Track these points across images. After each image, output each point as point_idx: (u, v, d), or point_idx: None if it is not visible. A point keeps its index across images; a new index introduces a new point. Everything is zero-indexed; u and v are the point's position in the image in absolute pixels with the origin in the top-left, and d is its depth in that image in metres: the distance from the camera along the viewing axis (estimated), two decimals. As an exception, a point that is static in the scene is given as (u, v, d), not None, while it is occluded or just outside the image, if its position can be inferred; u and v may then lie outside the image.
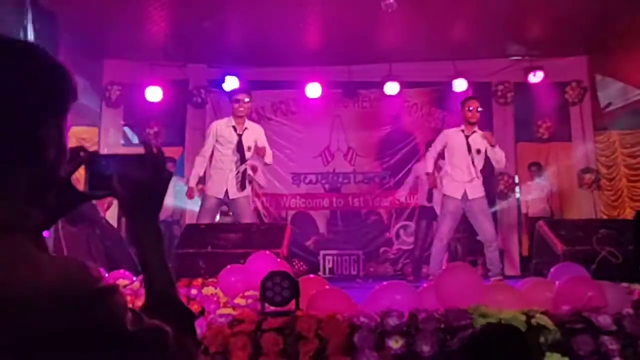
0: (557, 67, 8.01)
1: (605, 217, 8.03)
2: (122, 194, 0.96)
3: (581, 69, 8.18)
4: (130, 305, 0.82)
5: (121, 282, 3.05)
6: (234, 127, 5.44)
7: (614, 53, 7.59)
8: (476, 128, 5.56)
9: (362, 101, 8.62)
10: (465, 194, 5.40)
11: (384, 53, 7.67)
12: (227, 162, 5.40)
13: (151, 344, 0.81)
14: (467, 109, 5.51)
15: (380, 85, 8.15)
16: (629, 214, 8.18)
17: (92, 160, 0.99)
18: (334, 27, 7.03)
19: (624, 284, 2.92)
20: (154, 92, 7.97)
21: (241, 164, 5.38)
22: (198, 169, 5.57)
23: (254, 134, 5.52)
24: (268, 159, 5.54)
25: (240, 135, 5.41)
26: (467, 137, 5.48)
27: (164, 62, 8.06)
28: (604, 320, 2.21)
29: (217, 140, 5.45)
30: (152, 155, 0.99)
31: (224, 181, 5.36)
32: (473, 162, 5.44)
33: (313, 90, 8.10)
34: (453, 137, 5.60)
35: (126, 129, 8.57)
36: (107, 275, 3.18)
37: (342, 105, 8.61)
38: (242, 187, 5.37)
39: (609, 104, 8.46)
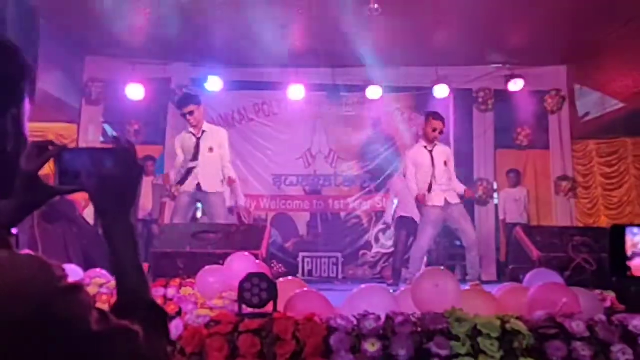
0: (537, 76, 8.14)
1: (580, 224, 8.16)
2: (92, 188, 0.94)
3: (560, 79, 8.32)
4: (106, 305, 0.81)
5: (98, 281, 3.02)
6: (192, 133, 5.57)
7: (593, 64, 7.72)
8: (437, 142, 5.73)
9: (344, 104, 8.65)
10: (446, 201, 5.53)
11: (368, 57, 7.70)
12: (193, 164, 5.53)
13: (118, 344, 0.79)
14: (431, 129, 5.64)
15: (363, 89, 8.19)
16: (604, 222, 8.32)
17: (62, 154, 0.96)
18: (318, 30, 7.04)
19: (598, 291, 2.96)
20: (135, 90, 7.92)
21: (192, 161, 5.47)
22: (174, 178, 5.69)
23: (215, 136, 5.61)
24: (239, 194, 5.74)
25: (198, 139, 5.52)
26: (430, 152, 5.66)
27: (146, 60, 8.01)
28: (577, 326, 2.24)
29: (182, 151, 5.60)
30: (123, 150, 0.97)
31: (194, 176, 5.44)
32: (441, 174, 5.60)
33: (296, 92, 8.11)
34: (417, 154, 5.75)
35: (106, 126, 8.49)
36: (83, 274, 3.15)
37: (325, 107, 8.64)
38: (181, 182, 5.49)
39: (587, 114, 8.60)
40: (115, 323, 0.80)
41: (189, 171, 5.47)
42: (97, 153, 0.98)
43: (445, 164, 5.65)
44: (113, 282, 3.00)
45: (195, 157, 5.47)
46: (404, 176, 6.22)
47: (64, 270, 0.76)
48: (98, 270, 3.16)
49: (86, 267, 3.41)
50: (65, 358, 0.72)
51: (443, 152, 5.74)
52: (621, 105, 8.04)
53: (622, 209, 8.69)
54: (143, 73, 8.00)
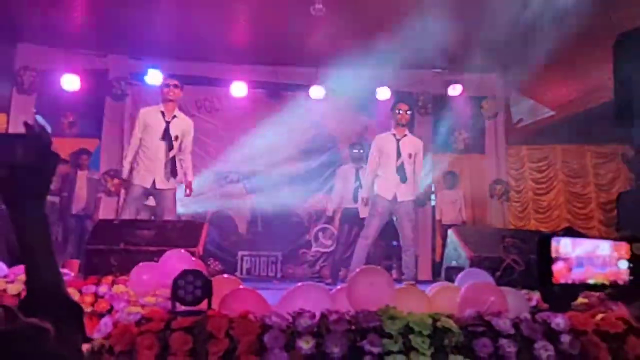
0: (475, 82, 8.39)
1: (512, 227, 8.47)
2: (1, 174, 0.89)
3: (497, 86, 8.59)
4: None
5: (22, 277, 2.89)
6: (162, 112, 5.29)
7: (528, 72, 8.02)
8: (407, 132, 5.72)
9: (287, 103, 8.63)
10: (395, 196, 5.52)
11: (311, 57, 7.72)
12: (154, 150, 5.21)
13: (26, 344, 0.75)
14: (396, 111, 5.65)
15: (306, 88, 8.21)
16: (533, 225, 8.68)
17: None
18: (262, 27, 7.01)
19: (525, 291, 3.08)
20: (71, 81, 7.66)
21: (169, 151, 5.22)
22: (129, 160, 5.28)
23: (183, 125, 5.37)
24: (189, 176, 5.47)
25: (168, 123, 5.26)
26: (398, 140, 5.61)
27: (83, 50, 7.75)
28: (504, 324, 2.33)
29: (145, 129, 5.25)
30: (35, 137, 0.92)
31: (152, 170, 5.18)
32: (403, 166, 5.56)
33: (238, 89, 8.04)
34: (384, 140, 5.71)
35: (39, 117, 8.14)
36: (7, 270, 3.01)
37: (267, 105, 8.59)
38: (174, 175, 5.22)
39: (520, 120, 8.95)
40: (22, 321, 0.76)
41: (172, 163, 5.20)
42: (6, 139, 0.92)
43: (410, 156, 5.58)
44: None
45: (170, 147, 5.21)
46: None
47: None
48: (23, 266, 3.03)
49: (11, 262, 3.26)
50: None
51: (411, 144, 5.65)
52: (552, 113, 8.41)
53: (550, 213, 9.08)
54: (79, 63, 7.73)
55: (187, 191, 5.41)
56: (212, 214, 8.34)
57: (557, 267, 2.06)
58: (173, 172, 5.23)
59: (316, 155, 8.58)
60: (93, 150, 7.90)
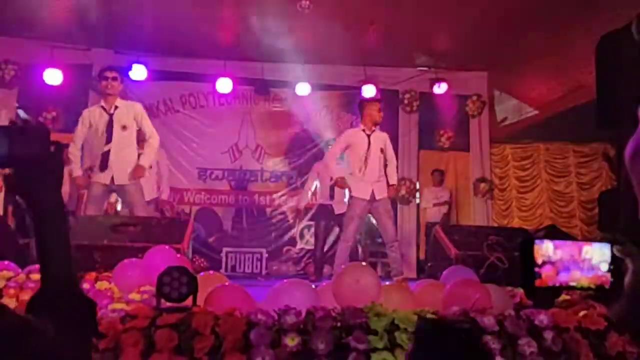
0: (460, 81, 8.44)
1: (496, 225, 8.54)
2: (14, 168, 0.89)
3: (481, 84, 8.65)
4: (14, 299, 0.75)
5: (5, 274, 2.84)
6: (102, 107, 5.14)
7: (513, 71, 8.10)
8: (376, 127, 5.66)
9: (273, 100, 8.62)
10: (372, 194, 5.45)
11: (298, 53, 7.71)
12: (102, 147, 5.05)
13: (19, 343, 0.73)
14: (369, 110, 5.59)
15: (292, 85, 8.20)
16: (517, 223, 8.75)
17: None
18: (248, 23, 6.97)
19: (509, 288, 3.12)
20: (53, 75, 7.55)
21: (106, 144, 5.03)
22: (73, 160, 5.14)
23: (130, 112, 5.16)
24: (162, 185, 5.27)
25: (111, 115, 5.08)
26: (368, 136, 5.55)
27: (66, 45, 7.64)
28: (488, 320, 2.35)
29: (89, 127, 5.10)
30: (36, 128, 0.92)
31: (110, 167, 5.02)
32: (375, 160, 5.51)
33: (224, 85, 8.01)
34: (355, 136, 5.64)
35: (20, 111, 8.03)
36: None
37: (253, 102, 8.58)
38: (102, 169, 5.00)
39: (505, 119, 9.02)
40: (14, 319, 0.74)
41: (103, 157, 5.00)
42: (10, 131, 0.91)
43: (382, 150, 5.55)
44: (22, 276, 2.85)
45: (108, 139, 5.02)
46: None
47: None
48: (6, 262, 2.99)
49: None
50: None
51: (380, 138, 5.60)
52: (536, 112, 8.48)
53: (533, 211, 9.17)
54: (62, 58, 7.62)
55: (132, 174, 5.05)
56: (197, 211, 8.31)
57: (544, 271, 2.08)
58: (102, 167, 5.01)
59: (302, 152, 8.59)
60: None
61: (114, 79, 5.11)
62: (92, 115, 5.15)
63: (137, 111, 5.21)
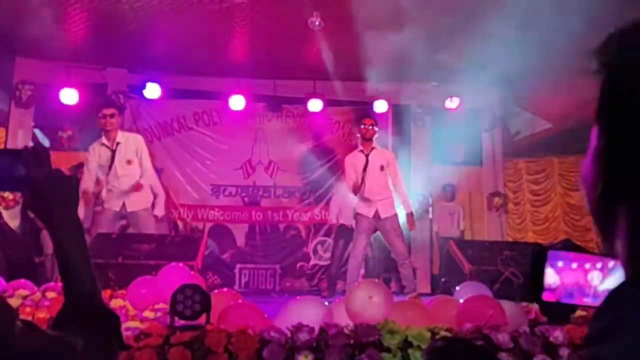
0: (473, 95, 8.42)
1: (510, 239, 8.47)
2: (33, 189, 0.92)
3: (494, 99, 8.62)
4: (30, 317, 0.76)
5: (21, 292, 2.88)
6: (104, 144, 5.17)
7: (525, 86, 8.06)
8: (375, 145, 5.61)
9: (285, 116, 8.67)
10: (377, 213, 5.40)
11: (309, 70, 7.76)
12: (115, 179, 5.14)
13: None
14: (361, 126, 5.59)
15: (304, 101, 8.24)
16: (531, 238, 8.68)
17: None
18: (260, 41, 7.05)
19: (524, 303, 3.08)
20: (69, 95, 7.65)
21: (112, 179, 5.10)
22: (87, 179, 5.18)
23: (132, 146, 5.22)
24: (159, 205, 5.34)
25: (113, 151, 5.14)
26: (366, 155, 5.52)
27: (81, 64, 7.77)
28: (503, 337, 2.33)
29: (99, 165, 5.17)
30: (43, 150, 0.96)
31: (117, 195, 5.08)
32: (371, 180, 5.43)
33: (237, 102, 8.07)
34: (354, 158, 5.62)
35: (37, 131, 8.15)
36: (5, 284, 3.00)
37: (266, 118, 8.63)
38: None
39: (518, 133, 8.98)
40: (45, 336, 0.74)
41: (110, 189, 5.09)
42: (22, 154, 0.94)
43: (382, 168, 5.49)
44: (38, 294, 2.88)
45: (115, 174, 5.09)
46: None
47: None
48: (22, 281, 3.02)
49: (10, 277, 3.25)
50: None
51: (381, 156, 5.55)
52: (549, 125, 8.44)
53: (547, 225, 9.10)
54: (78, 77, 7.74)
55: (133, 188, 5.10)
56: (210, 227, 8.33)
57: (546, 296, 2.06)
58: (139, 194, 5.09)
59: (314, 168, 8.61)
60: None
61: (112, 115, 5.12)
62: (97, 153, 5.19)
63: (139, 145, 5.26)
